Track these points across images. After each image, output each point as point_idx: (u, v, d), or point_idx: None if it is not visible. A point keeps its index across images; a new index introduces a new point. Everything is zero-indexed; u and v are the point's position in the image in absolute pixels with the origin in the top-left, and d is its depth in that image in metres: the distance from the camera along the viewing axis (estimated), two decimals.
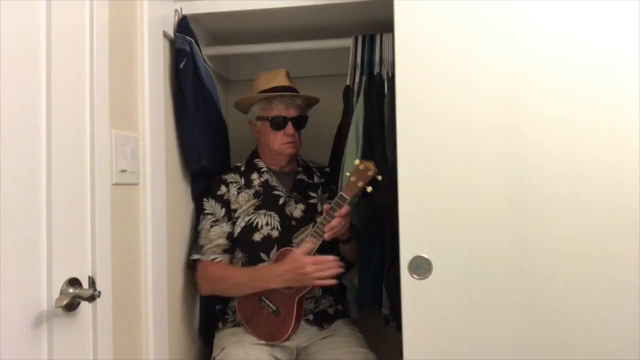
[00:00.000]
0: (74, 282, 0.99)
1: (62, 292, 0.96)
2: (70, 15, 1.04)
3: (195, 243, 1.66)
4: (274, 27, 1.79)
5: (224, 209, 1.64)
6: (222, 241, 1.62)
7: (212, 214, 1.64)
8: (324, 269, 1.42)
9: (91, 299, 1.00)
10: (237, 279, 1.57)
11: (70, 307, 0.98)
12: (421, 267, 1.25)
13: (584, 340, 1.22)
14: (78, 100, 1.06)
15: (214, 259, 1.60)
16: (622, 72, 1.20)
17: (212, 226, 1.62)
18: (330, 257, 1.45)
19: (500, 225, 1.24)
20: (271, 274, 1.51)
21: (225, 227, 1.63)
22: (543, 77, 1.23)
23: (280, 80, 1.68)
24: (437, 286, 1.25)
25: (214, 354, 1.59)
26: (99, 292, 1.00)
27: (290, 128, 1.64)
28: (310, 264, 1.43)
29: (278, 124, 1.64)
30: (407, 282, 1.26)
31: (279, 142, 1.65)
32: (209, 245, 1.61)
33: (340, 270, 1.44)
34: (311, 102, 1.74)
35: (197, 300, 1.73)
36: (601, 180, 1.21)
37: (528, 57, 1.23)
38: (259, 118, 1.69)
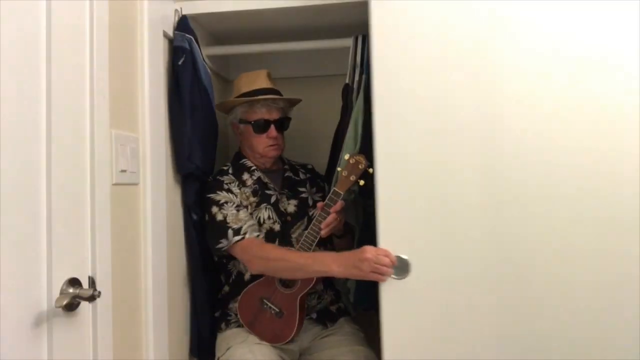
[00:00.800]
0: (74, 282, 0.99)
1: (62, 292, 0.96)
2: (70, 15, 1.04)
3: (221, 231, 1.56)
4: (273, 27, 1.79)
5: (238, 199, 1.62)
6: (254, 220, 1.61)
7: (230, 201, 1.60)
8: (383, 263, 1.27)
9: (91, 299, 1.00)
10: (299, 261, 1.47)
11: (70, 307, 0.98)
12: (400, 267, 1.26)
13: (566, 338, 1.23)
14: (78, 100, 1.06)
15: (257, 236, 1.58)
16: (602, 65, 1.22)
17: (238, 210, 1.59)
18: (392, 256, 1.28)
19: (479, 225, 1.25)
20: (335, 257, 1.42)
21: (248, 210, 1.61)
22: (519, 78, 1.24)
23: (262, 82, 1.68)
24: (416, 286, 1.26)
25: (217, 354, 1.58)
26: (99, 292, 1.00)
27: (273, 131, 1.64)
28: (372, 250, 1.29)
29: (261, 127, 1.64)
30: (386, 282, 1.27)
31: (263, 145, 1.66)
32: (246, 225, 1.57)
33: (391, 271, 1.28)
34: (293, 102, 1.74)
35: (195, 303, 1.71)
36: (579, 178, 1.22)
37: (504, 58, 1.25)
38: (241, 121, 1.69)
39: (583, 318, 1.22)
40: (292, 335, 1.54)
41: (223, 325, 1.64)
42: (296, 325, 1.54)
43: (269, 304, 1.56)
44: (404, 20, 1.28)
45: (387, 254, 1.27)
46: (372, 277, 1.29)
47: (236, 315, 1.62)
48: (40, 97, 0.95)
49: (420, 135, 1.26)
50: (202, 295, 1.67)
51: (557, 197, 1.22)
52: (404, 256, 1.26)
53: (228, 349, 1.55)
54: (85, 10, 1.09)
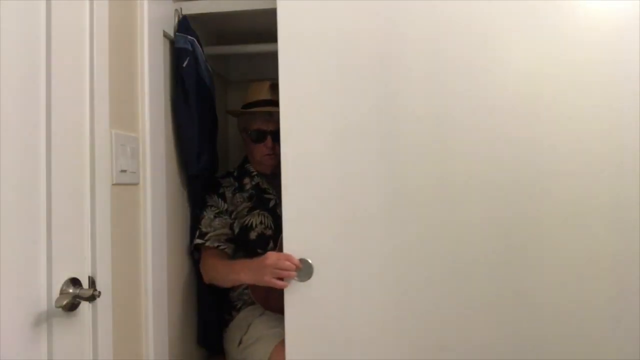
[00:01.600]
0: (74, 282, 0.99)
1: (62, 292, 0.96)
2: (70, 15, 1.04)
3: (194, 231, 1.64)
4: (274, 27, 1.79)
5: (225, 205, 1.68)
6: (226, 230, 1.65)
7: (216, 206, 1.67)
8: (284, 267, 1.28)
9: (91, 299, 0.99)
10: (221, 271, 1.57)
11: (70, 307, 0.97)
12: (304, 270, 1.28)
13: (464, 338, 1.26)
14: (78, 100, 1.06)
15: (218, 246, 1.62)
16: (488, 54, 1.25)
17: (215, 216, 1.65)
18: (295, 259, 1.29)
19: (381, 228, 1.28)
20: (245, 264, 1.48)
21: (228, 220, 1.67)
22: (413, 75, 1.27)
23: (262, 93, 1.73)
24: (318, 289, 1.28)
25: (239, 335, 1.60)
26: (99, 292, 1.00)
27: (269, 141, 1.70)
28: (273, 256, 1.31)
29: (257, 137, 1.71)
30: (290, 285, 1.29)
31: (260, 153, 1.72)
32: (213, 233, 1.62)
33: (293, 275, 1.29)
34: None
35: (197, 300, 1.73)
36: (475, 181, 1.25)
37: (406, 61, 1.27)
38: (243, 129, 1.77)
39: (479, 318, 1.25)
40: None
41: (234, 313, 1.68)
42: None
43: None
44: (310, 24, 1.30)
45: (288, 258, 1.28)
46: (273, 283, 1.30)
47: (239, 300, 1.67)
48: (40, 97, 0.95)
49: (324, 139, 1.29)
50: (206, 288, 1.69)
51: (457, 200, 1.25)
52: (307, 259, 1.28)
53: (249, 325, 1.59)
54: (85, 10, 1.09)
